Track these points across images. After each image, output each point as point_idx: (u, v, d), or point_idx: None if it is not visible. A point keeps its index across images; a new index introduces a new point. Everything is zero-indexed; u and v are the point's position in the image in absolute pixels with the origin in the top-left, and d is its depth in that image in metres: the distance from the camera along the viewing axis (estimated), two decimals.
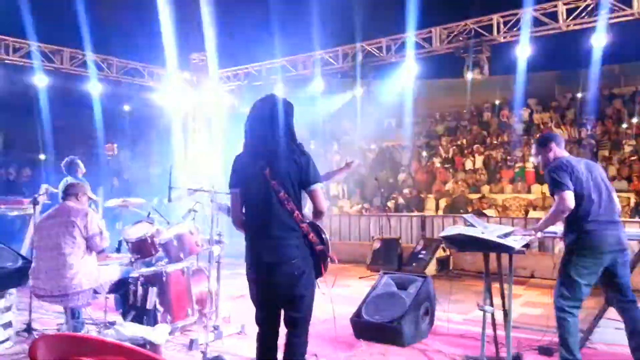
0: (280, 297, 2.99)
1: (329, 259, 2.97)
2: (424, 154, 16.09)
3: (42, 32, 10.72)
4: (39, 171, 13.10)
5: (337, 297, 6.70)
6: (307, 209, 3.12)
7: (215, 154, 12.78)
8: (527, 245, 3.87)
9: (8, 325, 4.58)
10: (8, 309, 4.58)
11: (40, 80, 10.83)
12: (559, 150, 3.92)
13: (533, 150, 4.15)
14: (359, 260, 9.55)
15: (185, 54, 12.75)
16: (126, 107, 12.70)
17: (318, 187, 2.92)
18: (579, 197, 3.62)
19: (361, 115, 17.66)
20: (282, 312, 3.05)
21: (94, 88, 11.45)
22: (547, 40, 9.56)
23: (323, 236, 2.96)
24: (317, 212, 2.95)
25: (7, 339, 4.54)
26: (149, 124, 13.89)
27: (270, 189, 2.87)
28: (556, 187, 3.68)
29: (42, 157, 14.75)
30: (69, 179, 6.09)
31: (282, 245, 2.88)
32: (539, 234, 4.01)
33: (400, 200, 13.16)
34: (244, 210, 3.04)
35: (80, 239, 4.18)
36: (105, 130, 12.70)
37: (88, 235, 4.22)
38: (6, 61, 10.46)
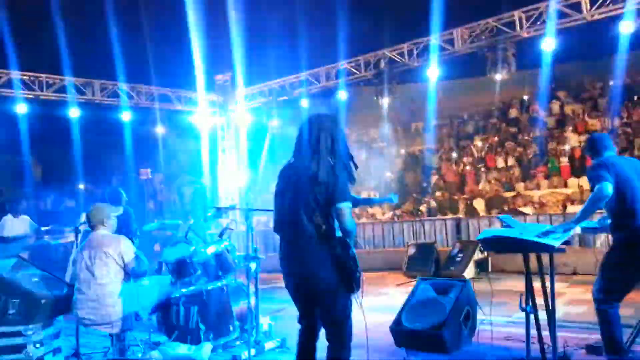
0: (312, 305, 3.13)
1: (358, 275, 3.01)
2: (454, 155, 15.92)
3: (73, 67, 11.15)
4: (78, 200, 13.53)
5: (375, 306, 6.68)
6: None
7: (244, 171, 12.95)
8: (567, 242, 3.79)
9: (58, 351, 4.72)
10: (57, 335, 4.72)
11: (74, 113, 11.23)
12: (605, 152, 3.85)
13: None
14: (395, 267, 9.49)
15: (210, 76, 13.03)
16: (157, 132, 13.03)
17: (342, 206, 2.98)
18: (622, 195, 3.58)
19: (388, 122, 17.63)
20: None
21: (125, 116, 11.80)
22: (572, 31, 9.39)
23: (349, 252, 3.01)
24: (343, 231, 3.02)
25: None
26: (179, 146, 14.21)
27: (302, 203, 3.01)
28: (595, 180, 3.66)
29: (81, 186, 15.22)
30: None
31: (307, 258, 3.01)
32: (578, 228, 3.93)
33: (433, 204, 13.03)
34: (280, 219, 3.20)
35: (115, 267, 4.22)
36: (138, 156, 13.04)
37: (125, 262, 4.26)
38: (41, 97, 10.89)
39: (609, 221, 3.85)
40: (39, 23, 11.39)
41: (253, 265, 4.87)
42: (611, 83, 15.83)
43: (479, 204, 12.52)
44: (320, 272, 2.97)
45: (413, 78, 12.88)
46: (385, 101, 11.25)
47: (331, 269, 2.96)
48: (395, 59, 10.72)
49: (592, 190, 3.76)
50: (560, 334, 4.04)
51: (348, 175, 3.12)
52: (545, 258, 3.81)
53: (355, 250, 3.03)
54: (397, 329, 4.71)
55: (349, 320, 3.11)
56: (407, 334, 4.63)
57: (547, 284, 3.83)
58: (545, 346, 4.04)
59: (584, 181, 12.57)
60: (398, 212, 13.21)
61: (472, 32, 9.73)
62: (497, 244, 3.80)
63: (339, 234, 3.05)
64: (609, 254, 3.78)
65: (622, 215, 3.62)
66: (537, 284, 3.94)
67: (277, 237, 3.28)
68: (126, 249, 4.30)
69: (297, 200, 3.03)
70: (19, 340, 4.28)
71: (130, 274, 4.32)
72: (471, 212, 11.89)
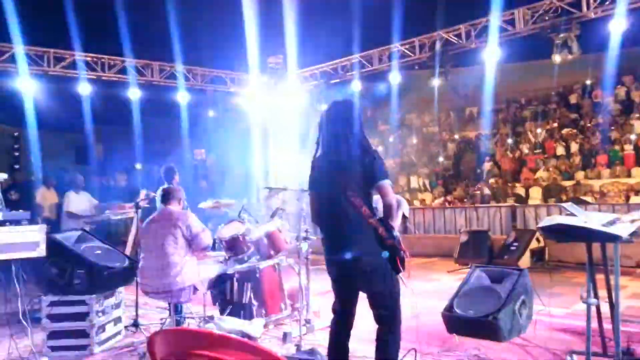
0: (355, 292, 3.17)
1: (403, 254, 2.99)
2: (510, 141, 15.42)
3: (133, 49, 11.49)
4: (135, 178, 14.03)
5: (426, 292, 6.62)
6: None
7: (296, 153, 13.02)
8: (634, 233, 3.60)
9: (118, 320, 4.96)
10: (118, 305, 4.96)
11: (134, 94, 11.60)
12: None
13: None
14: (446, 253, 9.35)
15: (263, 58, 13.11)
16: (211, 113, 13.30)
17: (385, 183, 3.02)
18: None
19: (441, 106, 17.22)
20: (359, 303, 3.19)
21: (182, 97, 12.10)
22: None
23: (393, 232, 2.99)
24: (386, 206, 3.03)
25: (118, 333, 4.92)
26: (233, 128, 14.44)
27: (339, 187, 3.04)
28: None
29: (138, 166, 15.77)
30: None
31: (351, 242, 3.02)
32: None
33: (486, 191, 12.70)
34: (319, 208, 3.25)
35: (181, 240, 4.41)
36: (193, 137, 13.34)
37: (192, 235, 4.44)
38: (103, 77, 11.29)
39: None
40: (101, 6, 11.76)
41: (304, 246, 4.92)
42: None
43: (536, 193, 12.11)
44: (366, 255, 2.98)
45: (468, 61, 12.48)
46: (439, 84, 10.98)
47: (376, 250, 2.95)
48: (452, 40, 10.40)
49: None
50: (623, 328, 3.87)
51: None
52: (608, 249, 3.65)
53: (406, 235, 3.01)
54: (449, 315, 4.65)
55: (399, 301, 3.11)
56: (459, 321, 4.56)
57: (611, 276, 3.67)
58: (606, 340, 3.88)
59: None
60: (449, 197, 12.97)
61: (535, 12, 9.29)
62: (560, 233, 3.64)
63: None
64: None
65: None
66: (597, 276, 3.78)
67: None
68: (194, 222, 4.49)
69: (335, 187, 3.05)
70: (83, 309, 4.52)
71: (195, 247, 4.48)
72: (527, 200, 11.51)
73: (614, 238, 3.42)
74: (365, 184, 3.02)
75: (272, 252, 5.23)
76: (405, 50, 11.17)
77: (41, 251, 3.91)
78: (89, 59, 11.08)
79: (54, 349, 4.47)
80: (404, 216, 6.52)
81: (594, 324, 3.80)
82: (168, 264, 4.34)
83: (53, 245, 4.46)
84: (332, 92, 12.57)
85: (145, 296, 4.73)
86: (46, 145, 13.34)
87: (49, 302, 4.51)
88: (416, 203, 13.24)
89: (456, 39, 10.37)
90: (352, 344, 3.28)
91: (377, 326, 3.13)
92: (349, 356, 3.28)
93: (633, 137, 13.04)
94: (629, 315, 4.92)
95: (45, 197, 9.03)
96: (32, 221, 4.12)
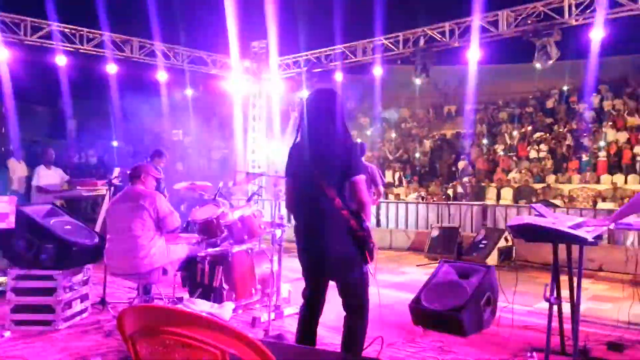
0: (325, 280, 3.20)
1: (372, 245, 3.03)
2: (485, 141, 15.67)
3: (112, 23, 11.23)
4: (110, 155, 13.79)
5: (394, 284, 6.72)
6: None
7: (275, 139, 12.98)
8: (599, 237, 3.72)
9: (85, 297, 4.90)
10: (85, 282, 4.89)
11: (111, 69, 11.35)
12: None
13: None
14: (417, 248, 9.48)
15: (246, 42, 12.98)
16: (190, 94, 13.14)
17: (359, 179, 3.03)
18: None
19: (421, 102, 17.34)
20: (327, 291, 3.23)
21: (161, 76, 11.90)
22: (622, 23, 9.04)
23: (364, 224, 3.02)
24: (359, 203, 3.04)
25: (84, 310, 4.86)
26: (212, 110, 14.30)
27: (315, 178, 3.03)
28: None
29: (114, 143, 15.48)
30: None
31: (323, 231, 3.04)
32: (612, 225, 3.84)
33: (459, 189, 12.90)
34: (294, 196, 3.25)
35: (149, 222, 4.31)
36: (171, 117, 13.16)
37: (160, 217, 4.35)
38: (80, 50, 11.01)
39: None
40: None
41: (278, 232, 4.93)
42: None
43: (507, 193, 12.36)
44: (337, 245, 3.00)
45: (449, 60, 12.60)
46: (419, 81, 11.05)
47: (347, 241, 2.99)
48: (436, 37, 10.48)
49: None
50: (581, 328, 4.00)
51: (359, 148, 3.22)
52: (574, 251, 3.76)
53: (378, 228, 3.03)
54: (416, 307, 4.73)
55: (367, 291, 3.15)
56: (425, 313, 4.65)
57: (574, 277, 3.78)
58: (565, 339, 4.01)
59: (618, 178, 12.27)
60: (423, 193, 13.14)
61: (518, 15, 9.42)
62: (528, 232, 3.74)
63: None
64: None
65: None
66: (561, 277, 3.89)
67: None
68: (161, 204, 4.39)
69: (311, 177, 3.04)
70: (50, 284, 4.45)
71: (162, 229, 4.40)
72: (498, 200, 11.74)
73: (581, 240, 3.52)
74: (341, 176, 3.04)
75: (245, 237, 5.22)
76: (389, 44, 11.20)
77: (10, 223, 3.83)
78: (67, 30, 10.80)
79: (17, 323, 4.39)
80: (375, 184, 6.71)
81: (555, 323, 3.93)
82: (135, 247, 4.25)
83: (22, 218, 4.36)
84: (314, 80, 12.54)
85: (115, 277, 4.68)
86: (19, 117, 12.98)
87: (15, 276, 4.43)
88: (390, 197, 13.36)
89: (440, 36, 10.44)
90: (318, 331, 3.31)
91: (344, 314, 3.17)
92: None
93: (603, 144, 13.40)
94: (588, 316, 5.08)
95: (14, 169, 8.81)
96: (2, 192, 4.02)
